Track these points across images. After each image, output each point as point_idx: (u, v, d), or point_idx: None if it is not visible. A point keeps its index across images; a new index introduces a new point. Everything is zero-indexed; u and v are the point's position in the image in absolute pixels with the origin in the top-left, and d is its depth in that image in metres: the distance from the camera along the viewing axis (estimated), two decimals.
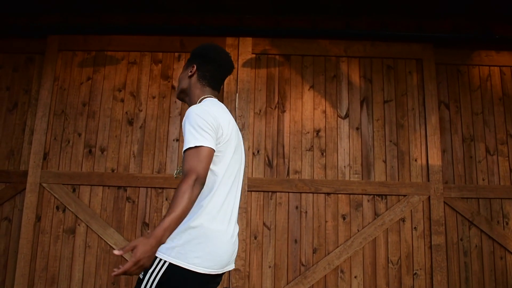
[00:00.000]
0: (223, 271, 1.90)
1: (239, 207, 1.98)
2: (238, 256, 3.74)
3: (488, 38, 4.06)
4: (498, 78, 4.17)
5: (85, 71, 4.13)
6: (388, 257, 3.83)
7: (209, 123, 1.83)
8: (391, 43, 4.11)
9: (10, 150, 4.07)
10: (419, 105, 4.06)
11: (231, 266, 1.97)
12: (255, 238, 3.84)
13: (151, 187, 3.92)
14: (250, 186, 3.86)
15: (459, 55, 4.17)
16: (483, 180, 4.00)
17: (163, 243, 1.60)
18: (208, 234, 1.81)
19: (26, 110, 4.14)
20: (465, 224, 3.93)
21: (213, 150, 1.82)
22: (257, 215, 3.86)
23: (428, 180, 3.92)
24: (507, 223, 3.91)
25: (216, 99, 2.07)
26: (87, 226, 3.86)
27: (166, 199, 3.90)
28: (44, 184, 3.91)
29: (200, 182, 1.72)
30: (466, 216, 3.92)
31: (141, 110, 4.07)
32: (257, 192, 3.88)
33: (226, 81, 4.05)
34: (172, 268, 1.75)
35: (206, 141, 1.78)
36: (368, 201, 3.92)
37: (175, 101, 4.07)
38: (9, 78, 4.21)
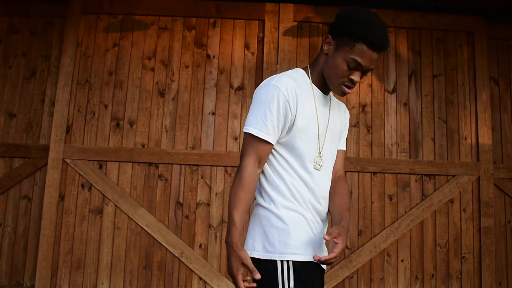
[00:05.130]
0: None
1: None
2: None
3: None
4: None
5: (111, 36, 3.77)
6: (436, 240, 3.63)
7: None
8: (441, 14, 3.85)
9: (28, 123, 3.71)
10: (469, 80, 3.84)
11: None
12: None
13: (185, 164, 3.62)
14: None
15: (511, 30, 3.95)
16: None
17: None
18: None
19: (46, 79, 3.77)
20: None
21: None
22: None
23: (478, 160, 3.71)
24: None
25: None
26: (116, 206, 3.55)
27: (202, 177, 3.61)
28: (67, 160, 3.57)
29: None
30: None
31: (173, 81, 3.74)
32: None
33: (266, 51, 3.75)
34: None
35: None
36: (416, 181, 3.70)
37: (210, 71, 3.76)
38: (26, 43, 3.82)
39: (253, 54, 3.80)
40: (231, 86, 3.75)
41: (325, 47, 1.65)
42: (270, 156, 1.64)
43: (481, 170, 3.69)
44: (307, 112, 1.64)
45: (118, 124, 3.66)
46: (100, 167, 3.60)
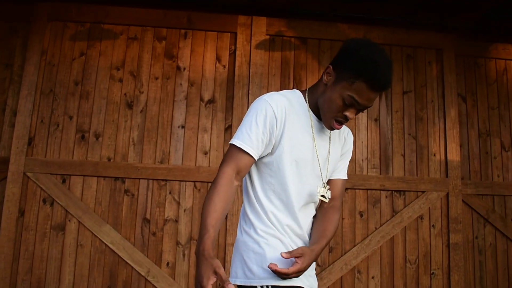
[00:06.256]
0: None
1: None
2: None
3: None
4: None
5: (78, 45, 3.63)
6: (406, 256, 3.63)
7: None
8: (411, 31, 3.90)
9: None
10: (438, 97, 3.88)
11: None
12: None
13: (153, 179, 3.51)
14: None
15: (477, 47, 4.03)
16: (498, 176, 3.90)
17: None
18: None
19: (7, 88, 3.59)
20: (480, 222, 3.81)
21: None
22: None
23: (447, 176, 3.75)
24: None
25: None
26: (79, 222, 3.40)
27: (170, 193, 3.50)
28: (28, 174, 3.40)
29: None
30: (481, 213, 3.80)
31: (142, 92, 3.63)
32: None
33: (238, 64, 3.70)
34: None
35: None
36: (386, 197, 3.70)
37: (180, 84, 3.67)
38: None
39: (224, 67, 3.74)
40: (201, 99, 3.67)
41: (325, 78, 1.58)
42: (255, 179, 1.61)
43: (449, 186, 3.73)
44: (297, 135, 1.59)
45: (83, 137, 3.52)
46: (63, 181, 3.44)
